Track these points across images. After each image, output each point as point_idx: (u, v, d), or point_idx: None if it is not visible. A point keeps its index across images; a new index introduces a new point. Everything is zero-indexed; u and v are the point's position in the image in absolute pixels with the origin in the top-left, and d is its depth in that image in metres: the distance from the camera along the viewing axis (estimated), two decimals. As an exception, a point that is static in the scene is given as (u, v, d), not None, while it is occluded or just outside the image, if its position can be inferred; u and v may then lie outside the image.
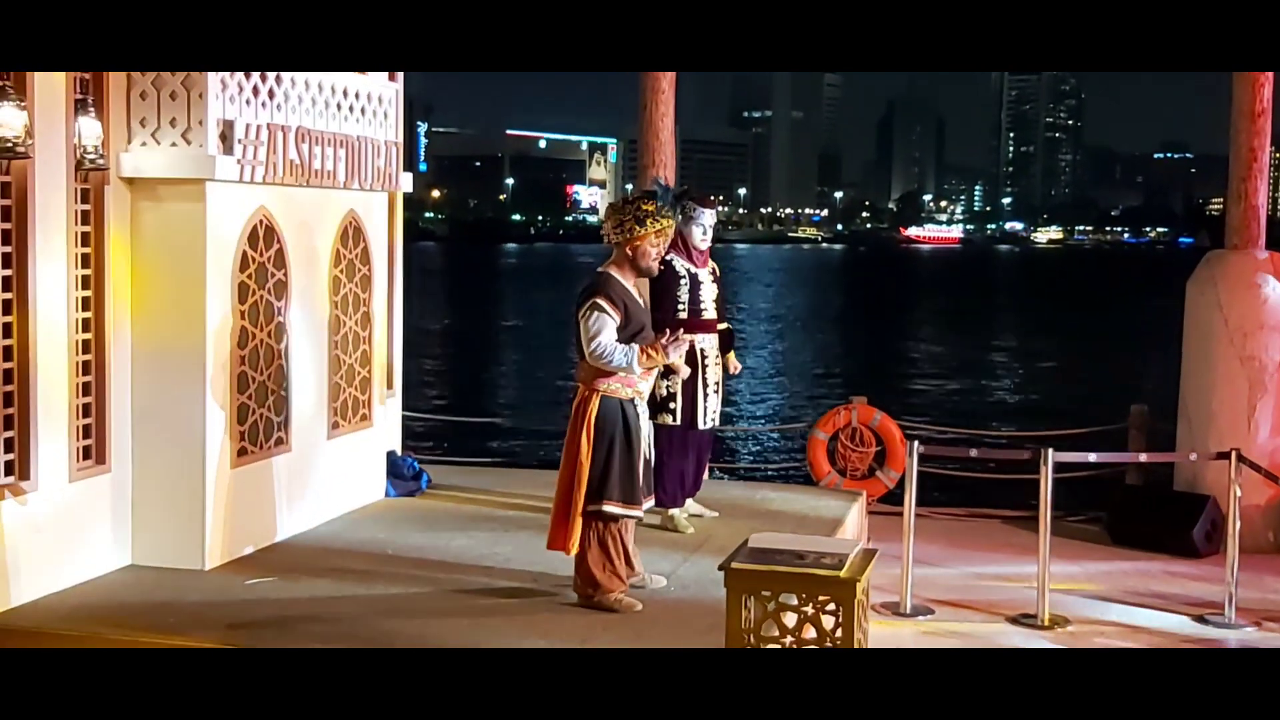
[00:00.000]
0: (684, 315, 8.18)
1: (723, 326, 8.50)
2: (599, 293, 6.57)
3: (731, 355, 8.58)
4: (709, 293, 8.33)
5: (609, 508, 6.55)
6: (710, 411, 8.33)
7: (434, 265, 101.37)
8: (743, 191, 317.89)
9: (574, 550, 6.55)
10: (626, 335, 6.59)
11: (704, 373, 8.24)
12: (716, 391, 8.39)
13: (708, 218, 8.37)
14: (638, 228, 6.68)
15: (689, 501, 8.48)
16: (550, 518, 6.71)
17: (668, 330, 6.78)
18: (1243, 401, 10.10)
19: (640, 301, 6.84)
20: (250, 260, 7.29)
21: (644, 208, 6.74)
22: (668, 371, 7.93)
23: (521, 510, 8.72)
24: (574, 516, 6.53)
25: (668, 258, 8.10)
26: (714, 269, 8.48)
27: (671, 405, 8.16)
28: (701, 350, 8.24)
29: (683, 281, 8.23)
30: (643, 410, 6.77)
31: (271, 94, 7.35)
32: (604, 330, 6.50)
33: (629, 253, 6.70)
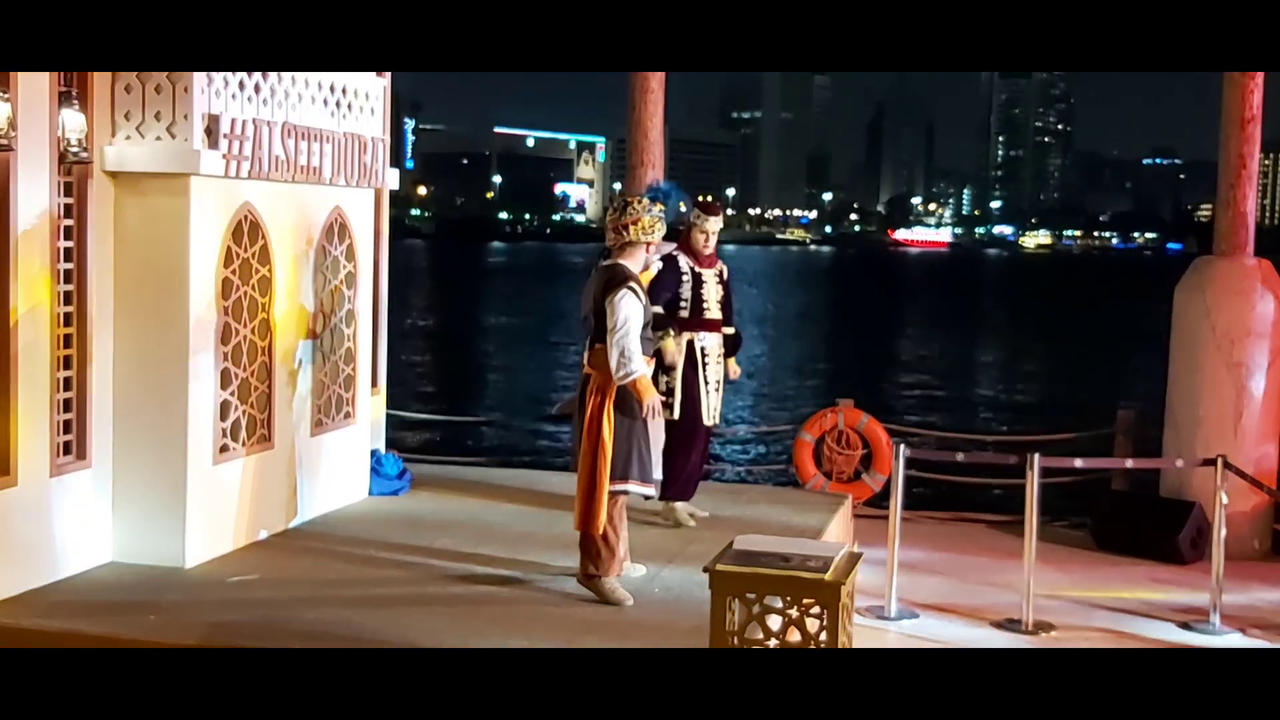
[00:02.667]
0: (685, 313, 8.22)
1: (729, 330, 8.55)
2: (631, 279, 6.74)
3: (732, 360, 8.59)
4: (713, 293, 8.39)
5: (633, 486, 6.74)
6: (713, 408, 8.40)
7: (420, 263, 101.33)
8: (731, 192, 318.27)
9: (601, 529, 6.64)
10: (640, 324, 6.73)
11: (704, 370, 8.31)
12: (717, 390, 8.45)
13: (712, 224, 8.42)
14: (661, 226, 6.91)
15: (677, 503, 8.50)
16: (576, 499, 6.76)
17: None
18: (1229, 408, 10.10)
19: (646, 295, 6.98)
20: (234, 256, 7.25)
21: (659, 207, 6.94)
22: (668, 368, 8.01)
23: (504, 508, 8.70)
24: (599, 496, 6.64)
25: (674, 253, 8.19)
26: (721, 271, 8.52)
27: (670, 401, 8.19)
28: (702, 349, 8.32)
29: (685, 278, 8.28)
30: None
31: (258, 89, 7.30)
32: (633, 315, 6.63)
33: (645, 251, 6.91)
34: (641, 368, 6.64)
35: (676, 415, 8.23)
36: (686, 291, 8.27)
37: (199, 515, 7.07)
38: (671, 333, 8.04)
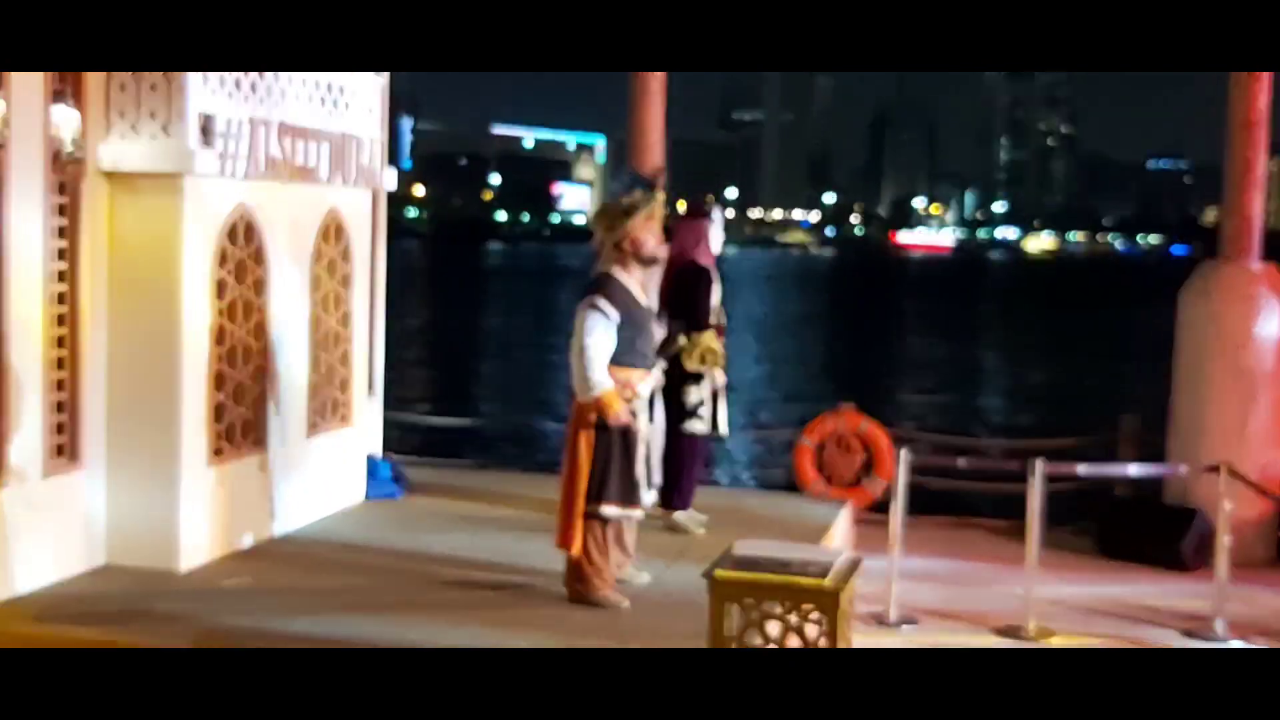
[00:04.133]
0: (713, 320, 8.20)
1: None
2: (599, 292, 6.64)
3: None
4: (718, 297, 8.37)
5: (607, 509, 6.66)
6: (725, 414, 8.38)
7: (417, 263, 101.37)
8: (731, 194, 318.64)
9: (578, 549, 6.63)
10: (626, 335, 6.65)
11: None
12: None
13: (721, 219, 8.45)
14: (626, 220, 6.76)
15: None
16: (556, 517, 6.77)
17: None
18: (1234, 414, 10.04)
19: (641, 301, 6.83)
20: (229, 256, 7.21)
21: (624, 201, 6.86)
22: (697, 378, 7.94)
23: (501, 512, 8.67)
24: (576, 517, 6.62)
25: (702, 265, 8.14)
26: None
27: (701, 412, 8.16)
28: (719, 355, 8.27)
29: (714, 287, 8.26)
30: (640, 410, 6.82)
31: (254, 88, 7.25)
32: (595, 330, 6.56)
33: (627, 248, 6.75)
34: (604, 383, 6.55)
35: (705, 429, 8.19)
36: (714, 300, 8.26)
37: (193, 518, 7.03)
38: (692, 340, 7.96)
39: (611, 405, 6.56)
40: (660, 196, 7.05)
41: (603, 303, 6.58)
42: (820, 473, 10.41)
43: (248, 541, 7.47)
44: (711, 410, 8.22)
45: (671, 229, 8.14)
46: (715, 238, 8.40)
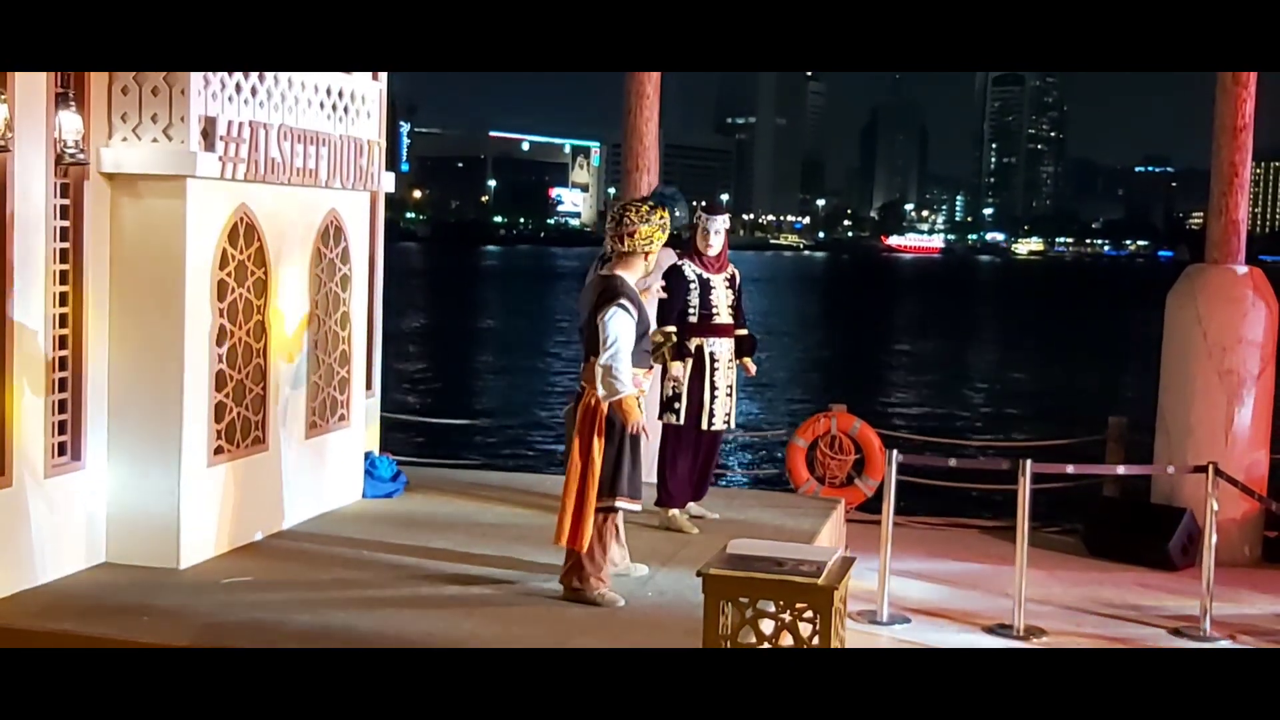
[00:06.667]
0: (694, 319, 8.24)
1: (742, 332, 8.53)
2: (621, 294, 6.70)
3: (748, 360, 8.57)
4: (722, 298, 8.38)
5: (621, 503, 6.74)
6: (720, 414, 8.38)
7: (415, 266, 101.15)
8: (725, 197, 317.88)
9: (586, 546, 6.65)
10: (635, 336, 6.72)
11: (712, 375, 8.31)
12: (729, 394, 8.43)
13: (715, 223, 8.42)
14: (661, 235, 6.85)
15: (691, 504, 8.53)
16: (559, 514, 6.78)
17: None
18: (1221, 415, 10.13)
19: (641, 303, 6.93)
20: (230, 258, 7.26)
21: (664, 215, 6.87)
22: (672, 374, 8.02)
23: (498, 511, 8.71)
24: (587, 513, 6.65)
25: (678, 263, 8.20)
26: (731, 276, 8.49)
27: (676, 405, 8.26)
28: (711, 354, 8.32)
29: (692, 286, 8.29)
30: (644, 406, 6.90)
31: (254, 91, 7.31)
32: (624, 333, 6.62)
33: (644, 259, 6.86)
34: (628, 389, 6.62)
35: (681, 421, 8.27)
36: (695, 299, 8.28)
37: (193, 517, 7.08)
38: (673, 337, 8.02)
39: (632, 411, 6.65)
40: (678, 218, 7.11)
41: (626, 303, 6.67)
42: (812, 472, 10.48)
43: (248, 539, 7.53)
44: (702, 406, 8.27)
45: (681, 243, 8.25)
46: (707, 240, 8.42)
